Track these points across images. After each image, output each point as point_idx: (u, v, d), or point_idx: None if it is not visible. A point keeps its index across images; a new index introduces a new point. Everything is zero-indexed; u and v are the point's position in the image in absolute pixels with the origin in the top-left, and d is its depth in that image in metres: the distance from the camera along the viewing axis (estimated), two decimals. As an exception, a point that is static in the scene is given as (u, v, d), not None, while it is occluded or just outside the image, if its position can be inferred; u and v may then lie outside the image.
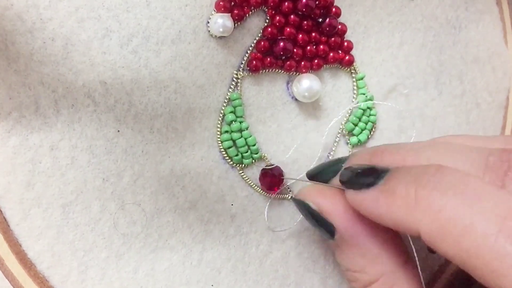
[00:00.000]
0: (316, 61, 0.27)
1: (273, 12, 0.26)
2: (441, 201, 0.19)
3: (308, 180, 0.26)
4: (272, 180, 0.26)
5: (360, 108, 0.29)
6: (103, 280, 0.24)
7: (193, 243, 0.26)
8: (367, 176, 0.22)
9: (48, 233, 0.23)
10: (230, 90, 0.26)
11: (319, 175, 0.25)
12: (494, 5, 0.34)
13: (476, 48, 0.33)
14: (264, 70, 0.26)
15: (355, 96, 0.29)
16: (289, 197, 0.27)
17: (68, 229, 0.23)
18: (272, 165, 0.27)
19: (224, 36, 0.25)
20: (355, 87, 0.29)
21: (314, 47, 0.27)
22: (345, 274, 0.24)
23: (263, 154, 0.27)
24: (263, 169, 0.27)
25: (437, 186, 0.19)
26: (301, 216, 0.26)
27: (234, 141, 0.26)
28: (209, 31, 0.25)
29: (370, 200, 0.21)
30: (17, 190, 0.22)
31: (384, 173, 0.21)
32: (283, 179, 0.27)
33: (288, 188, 0.28)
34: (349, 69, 0.29)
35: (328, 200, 0.23)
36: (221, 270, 0.26)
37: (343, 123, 0.29)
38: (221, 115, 0.26)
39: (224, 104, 0.26)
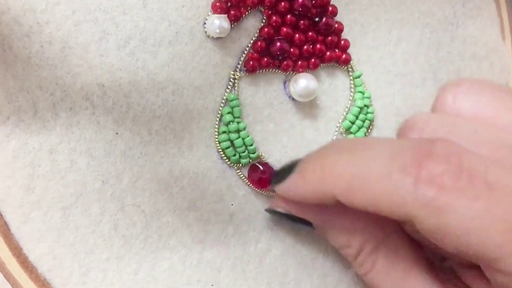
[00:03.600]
0: (313, 60, 0.27)
1: (270, 12, 0.26)
2: (343, 161, 0.22)
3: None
4: (261, 176, 0.27)
5: (357, 106, 0.29)
6: (104, 282, 0.24)
7: (192, 243, 0.26)
8: (288, 169, 0.25)
9: (48, 236, 0.23)
10: (227, 90, 0.26)
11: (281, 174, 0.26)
12: (491, 1, 0.34)
13: (473, 45, 0.33)
14: (261, 70, 0.26)
15: (352, 94, 0.29)
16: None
17: (68, 232, 0.23)
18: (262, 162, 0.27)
19: (221, 37, 0.25)
20: (352, 86, 0.29)
21: (311, 46, 0.27)
22: (342, 253, 0.26)
23: (260, 154, 0.27)
24: (252, 164, 0.27)
25: (338, 151, 0.22)
26: None
27: (231, 141, 0.26)
28: (206, 32, 0.25)
29: (291, 185, 0.24)
30: (17, 193, 0.22)
31: (299, 161, 0.24)
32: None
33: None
34: (346, 67, 0.29)
35: (292, 203, 0.26)
36: (221, 269, 0.27)
37: (340, 121, 0.29)
38: (218, 115, 0.26)
39: (222, 105, 0.26)
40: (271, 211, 0.27)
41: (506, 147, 0.23)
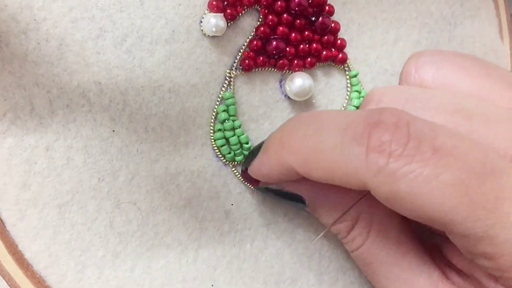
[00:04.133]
0: (309, 59, 0.27)
1: (266, 11, 0.26)
2: (299, 135, 0.22)
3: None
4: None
5: (353, 106, 0.29)
6: (100, 279, 0.24)
7: (188, 240, 0.26)
8: (256, 150, 0.25)
9: (44, 233, 0.23)
10: (223, 89, 0.26)
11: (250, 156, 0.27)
12: (490, 1, 0.34)
13: (471, 44, 0.33)
14: (256, 69, 0.27)
15: (348, 93, 0.29)
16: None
17: (64, 229, 0.23)
18: None
19: (217, 36, 0.25)
20: (348, 85, 0.29)
21: (307, 45, 0.27)
22: (333, 232, 0.26)
23: (256, 152, 0.27)
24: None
25: (294, 125, 0.23)
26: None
27: (227, 139, 0.26)
28: (202, 30, 0.25)
29: (258, 164, 0.25)
30: (13, 191, 0.23)
31: (265, 141, 0.25)
32: None
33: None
34: (342, 67, 0.29)
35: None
36: (216, 267, 0.27)
37: (337, 120, 0.29)
38: (214, 113, 0.26)
39: (217, 103, 0.26)
40: (262, 189, 0.26)
41: (461, 112, 0.23)
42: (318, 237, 0.27)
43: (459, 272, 0.23)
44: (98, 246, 0.24)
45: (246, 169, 0.27)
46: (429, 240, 0.25)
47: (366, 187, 0.20)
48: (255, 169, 0.25)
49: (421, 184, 0.19)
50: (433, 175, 0.19)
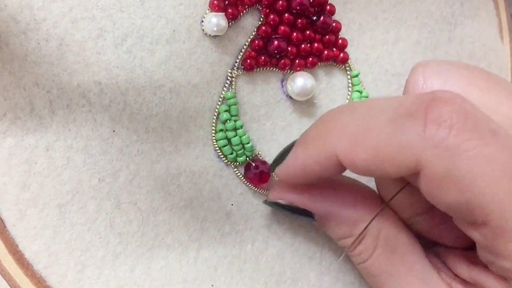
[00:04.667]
0: (310, 59, 0.27)
1: (267, 10, 0.26)
2: (344, 119, 0.21)
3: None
4: (256, 173, 0.27)
5: (355, 106, 0.29)
6: (100, 280, 0.24)
7: (189, 241, 0.26)
8: (286, 151, 0.24)
9: (44, 233, 0.23)
10: (224, 89, 0.26)
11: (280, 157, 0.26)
12: (490, 1, 0.34)
13: (471, 44, 0.33)
14: (258, 69, 0.26)
15: (349, 93, 0.29)
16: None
17: (64, 229, 0.23)
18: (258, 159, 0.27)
19: (219, 35, 0.25)
20: (349, 85, 0.29)
21: (309, 45, 0.27)
22: (339, 244, 0.26)
23: (257, 152, 0.27)
24: (248, 162, 0.27)
25: (337, 113, 0.22)
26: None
27: (229, 139, 0.26)
28: (203, 30, 0.25)
29: (291, 161, 0.23)
30: (13, 191, 0.22)
31: (296, 140, 0.24)
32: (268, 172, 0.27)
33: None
34: (343, 66, 0.29)
35: (294, 193, 0.25)
36: (217, 267, 0.27)
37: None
38: (215, 113, 0.26)
39: (219, 103, 0.26)
40: (271, 203, 0.26)
41: None
42: (341, 257, 0.27)
43: (464, 283, 0.23)
44: (98, 246, 0.24)
45: (248, 168, 0.26)
46: (433, 252, 0.25)
47: (417, 167, 0.19)
48: (287, 167, 0.24)
49: (481, 164, 0.18)
50: (493, 156, 0.18)
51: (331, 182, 0.25)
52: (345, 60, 0.28)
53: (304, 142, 0.23)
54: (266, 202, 0.26)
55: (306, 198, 0.25)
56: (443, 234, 0.24)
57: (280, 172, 0.24)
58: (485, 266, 0.21)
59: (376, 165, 0.20)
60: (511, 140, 0.19)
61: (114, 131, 0.24)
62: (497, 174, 0.18)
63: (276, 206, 0.26)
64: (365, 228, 0.24)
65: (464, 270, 0.23)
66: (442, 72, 0.25)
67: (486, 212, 0.18)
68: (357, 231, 0.24)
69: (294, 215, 0.25)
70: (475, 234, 0.20)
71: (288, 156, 0.23)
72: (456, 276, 0.24)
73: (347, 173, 0.23)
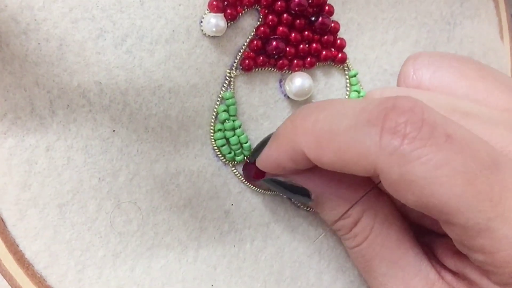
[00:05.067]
0: (308, 59, 0.27)
1: (266, 11, 0.26)
2: (312, 118, 0.22)
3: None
4: (251, 170, 0.27)
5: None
6: (100, 279, 0.24)
7: (188, 240, 0.26)
8: (264, 143, 0.26)
9: (45, 233, 0.23)
10: (223, 89, 0.26)
11: (258, 148, 0.27)
12: (490, 0, 0.34)
13: (471, 44, 0.33)
14: (256, 69, 0.27)
15: (348, 93, 0.29)
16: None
17: (64, 229, 0.23)
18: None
19: (217, 36, 0.25)
20: (348, 84, 0.29)
21: (307, 45, 0.27)
22: (334, 228, 0.26)
23: (256, 152, 0.27)
24: (246, 161, 0.27)
25: (307, 111, 0.23)
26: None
27: (227, 139, 0.26)
28: (202, 30, 0.25)
29: (267, 153, 0.25)
30: (13, 191, 0.23)
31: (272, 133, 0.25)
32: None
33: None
34: (342, 66, 0.29)
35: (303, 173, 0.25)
36: (216, 266, 0.27)
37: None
38: (214, 113, 0.26)
39: (218, 103, 0.26)
40: (269, 180, 0.26)
41: (457, 112, 0.24)
42: (322, 234, 0.27)
43: (452, 272, 0.23)
44: (98, 246, 0.24)
45: (248, 165, 0.27)
46: (423, 241, 0.26)
47: (375, 171, 0.20)
48: (264, 158, 0.25)
49: (432, 169, 0.19)
50: (445, 161, 0.19)
51: None
52: (343, 60, 0.28)
53: (277, 138, 0.24)
54: (265, 180, 0.26)
55: (305, 176, 0.25)
56: (433, 221, 0.25)
57: (258, 163, 0.26)
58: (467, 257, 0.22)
59: (341, 166, 0.21)
60: (469, 141, 0.20)
61: (114, 131, 0.24)
62: (451, 177, 0.19)
63: (274, 183, 0.26)
64: (352, 205, 0.24)
65: (450, 260, 0.24)
66: (432, 64, 0.26)
67: (446, 212, 0.19)
68: (354, 212, 0.25)
69: (290, 194, 0.26)
70: (447, 230, 0.21)
71: (263, 149, 0.25)
72: (443, 265, 0.24)
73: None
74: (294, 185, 0.25)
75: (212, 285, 0.26)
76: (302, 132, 0.22)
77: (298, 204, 0.28)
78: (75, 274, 0.24)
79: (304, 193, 0.25)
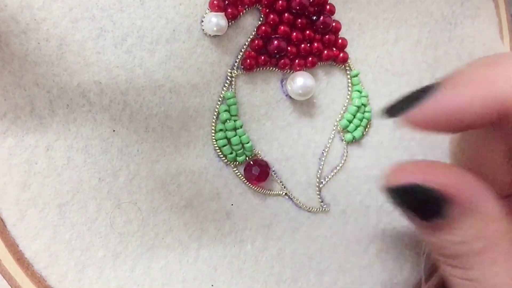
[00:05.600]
0: (310, 59, 0.27)
1: (267, 10, 0.26)
2: None
3: None
4: (255, 173, 0.27)
5: (354, 105, 0.29)
6: (100, 279, 0.24)
7: (189, 240, 0.26)
8: (419, 93, 0.20)
9: (44, 233, 0.23)
10: (224, 88, 0.26)
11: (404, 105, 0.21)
12: (490, 0, 0.34)
13: (471, 44, 0.33)
14: (258, 69, 0.26)
15: (349, 93, 0.29)
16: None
17: (64, 229, 0.23)
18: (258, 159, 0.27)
19: (218, 35, 0.25)
20: (349, 84, 0.29)
21: (308, 45, 0.27)
22: (446, 255, 0.20)
23: (257, 152, 0.27)
24: (248, 162, 0.27)
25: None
26: None
27: (228, 139, 0.26)
28: (203, 30, 0.25)
29: (438, 101, 0.19)
30: (13, 190, 0.22)
31: (435, 84, 0.20)
32: (268, 172, 0.27)
33: (282, 183, 0.28)
34: (343, 66, 0.29)
35: (443, 172, 0.19)
36: (217, 267, 0.27)
37: (337, 120, 0.29)
38: (215, 113, 0.26)
39: (219, 103, 0.26)
40: (393, 189, 0.20)
41: None
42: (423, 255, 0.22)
43: None
44: (98, 246, 0.24)
45: (249, 166, 0.26)
46: None
47: None
48: (427, 108, 0.19)
49: None
50: None
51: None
52: (344, 60, 0.28)
53: (457, 84, 0.19)
54: (388, 189, 0.20)
55: (449, 175, 0.19)
56: None
57: (413, 115, 0.20)
58: None
59: None
60: None
61: (114, 131, 0.24)
62: None
63: (398, 194, 0.20)
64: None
65: None
66: None
67: None
68: (486, 231, 0.19)
69: (419, 212, 0.20)
70: None
71: (427, 97, 0.19)
72: None
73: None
74: (434, 195, 0.19)
75: (212, 286, 0.26)
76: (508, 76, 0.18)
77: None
78: (75, 274, 0.23)
79: (440, 203, 0.19)
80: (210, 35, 0.25)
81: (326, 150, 0.29)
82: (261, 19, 0.26)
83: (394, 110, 0.20)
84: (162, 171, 0.25)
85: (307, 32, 0.27)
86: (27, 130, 0.22)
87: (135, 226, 0.25)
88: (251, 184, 0.27)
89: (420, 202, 0.19)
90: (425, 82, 0.31)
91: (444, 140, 0.33)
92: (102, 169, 0.24)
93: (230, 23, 0.25)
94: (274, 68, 0.27)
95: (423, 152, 0.32)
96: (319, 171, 0.29)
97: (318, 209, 0.29)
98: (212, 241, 0.27)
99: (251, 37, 0.26)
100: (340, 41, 0.28)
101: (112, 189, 0.24)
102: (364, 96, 0.29)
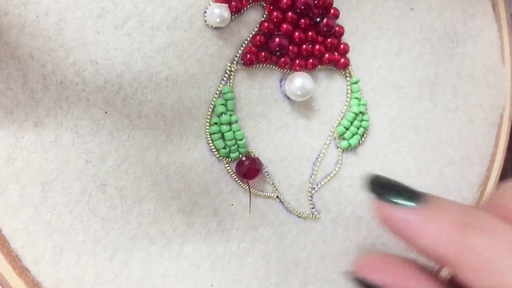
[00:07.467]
0: (311, 60, 0.27)
1: (271, 7, 0.26)
2: (485, 243, 0.18)
3: None
4: (248, 168, 0.26)
5: (352, 112, 0.28)
6: (77, 265, 0.23)
7: (173, 234, 0.25)
8: (406, 193, 0.20)
9: (25, 211, 0.22)
10: (222, 82, 0.26)
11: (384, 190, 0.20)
12: (493, 22, 0.34)
13: (472, 64, 0.33)
14: (258, 65, 0.26)
15: (348, 100, 0.29)
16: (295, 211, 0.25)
17: (45, 209, 0.22)
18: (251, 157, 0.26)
19: (220, 27, 0.25)
20: (349, 91, 0.29)
21: (310, 46, 0.27)
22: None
23: (251, 150, 0.26)
24: (240, 159, 0.26)
25: (485, 232, 0.18)
26: None
27: (222, 133, 0.26)
28: (205, 21, 0.25)
29: (410, 220, 0.19)
30: (-4, 163, 0.22)
31: (419, 196, 0.19)
32: (258, 169, 0.26)
33: (274, 185, 0.27)
34: (344, 72, 0.28)
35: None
36: (199, 265, 0.26)
37: (334, 126, 0.28)
38: (211, 106, 0.25)
39: (216, 96, 0.25)
40: (360, 281, 0.20)
41: None
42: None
43: None
44: (78, 230, 0.23)
45: (242, 163, 0.26)
46: None
47: None
48: (398, 218, 0.19)
49: None
50: None
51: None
52: (345, 66, 0.28)
53: (433, 222, 0.19)
54: (353, 277, 0.21)
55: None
56: None
57: (386, 212, 0.20)
58: None
59: None
60: None
61: (106, 112, 0.23)
62: None
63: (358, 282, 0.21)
64: None
65: None
66: None
67: None
68: None
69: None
70: None
71: (412, 210, 0.19)
72: None
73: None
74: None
75: (211, 285, 0.25)
76: (467, 253, 0.18)
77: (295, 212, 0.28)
78: (52, 256, 0.23)
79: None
80: (212, 26, 0.25)
81: (321, 155, 0.28)
82: (265, 15, 0.26)
83: (376, 189, 0.20)
84: (151, 160, 0.24)
85: (310, 33, 0.27)
86: (17, 103, 0.22)
87: (118, 213, 0.24)
88: (243, 183, 0.26)
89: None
90: (424, 98, 0.31)
91: (440, 157, 0.32)
92: (90, 151, 0.23)
93: (233, 17, 0.25)
94: (274, 67, 0.27)
95: (418, 167, 0.31)
96: (312, 177, 0.28)
97: (308, 215, 0.28)
98: (197, 237, 0.26)
99: (253, 32, 0.26)
100: (342, 46, 0.28)
101: (98, 172, 0.23)
102: (363, 104, 0.29)
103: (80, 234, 0.23)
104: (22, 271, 0.22)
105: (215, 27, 0.25)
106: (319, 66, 0.28)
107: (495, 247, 0.18)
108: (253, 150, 0.27)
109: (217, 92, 0.26)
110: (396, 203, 0.19)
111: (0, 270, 0.22)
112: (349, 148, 0.29)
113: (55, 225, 0.23)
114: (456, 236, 0.18)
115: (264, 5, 0.26)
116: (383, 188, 0.20)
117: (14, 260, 0.22)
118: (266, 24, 0.26)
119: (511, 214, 0.20)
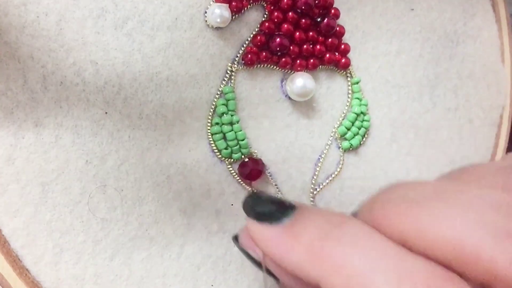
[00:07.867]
0: (312, 60, 0.27)
1: (272, 7, 0.26)
2: (345, 256, 0.17)
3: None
4: (252, 169, 0.26)
5: (354, 112, 0.28)
6: (78, 265, 0.23)
7: (174, 235, 0.25)
8: (273, 209, 0.19)
9: (25, 210, 0.22)
10: (223, 82, 0.25)
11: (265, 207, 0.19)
12: (493, 23, 0.34)
13: (472, 64, 0.33)
14: (259, 65, 0.26)
15: (349, 100, 0.29)
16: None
17: (45, 209, 0.22)
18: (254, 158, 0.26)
19: (221, 28, 0.25)
20: (350, 91, 0.29)
21: (311, 46, 0.27)
22: None
23: (253, 151, 0.26)
24: (243, 160, 0.26)
25: (342, 240, 0.17)
26: None
27: (224, 134, 0.26)
28: (206, 21, 0.25)
29: (272, 237, 0.18)
30: (-4, 163, 0.22)
31: (291, 210, 0.19)
32: (261, 170, 0.26)
33: (276, 186, 0.27)
34: (345, 72, 0.28)
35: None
36: (200, 266, 0.26)
37: (336, 126, 0.28)
38: (212, 107, 0.25)
39: (217, 96, 0.25)
40: (241, 248, 0.21)
41: None
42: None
43: None
44: (78, 230, 0.23)
45: (245, 163, 0.26)
46: None
47: None
48: (263, 236, 0.18)
49: None
50: None
51: None
52: (346, 66, 0.28)
53: (293, 241, 0.18)
54: (234, 238, 0.21)
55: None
56: None
57: (253, 230, 0.19)
58: None
59: None
60: None
61: (106, 113, 0.23)
62: None
63: (242, 251, 0.21)
64: None
65: None
66: None
67: None
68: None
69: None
70: None
71: (275, 227, 0.18)
72: None
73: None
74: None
75: (212, 286, 0.25)
76: (327, 266, 0.17)
77: None
78: (52, 256, 0.22)
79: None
80: (212, 26, 0.25)
81: (323, 156, 0.28)
82: (265, 15, 0.26)
83: (247, 208, 0.20)
84: (152, 160, 0.24)
85: (311, 33, 0.27)
86: (17, 103, 0.22)
87: (119, 213, 0.24)
88: (246, 184, 0.26)
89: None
90: (424, 98, 0.31)
91: (440, 157, 0.32)
92: (90, 151, 0.23)
93: (234, 17, 0.25)
94: (275, 67, 0.26)
95: (418, 167, 0.31)
96: (314, 177, 0.28)
97: (309, 216, 0.28)
98: (198, 238, 0.26)
99: (254, 32, 0.26)
100: (343, 46, 0.28)
101: (98, 173, 0.23)
102: (364, 105, 0.29)
103: (80, 234, 0.23)
104: (22, 271, 0.22)
105: (216, 27, 0.25)
106: (320, 66, 0.28)
107: (347, 252, 0.16)
108: (256, 151, 0.27)
109: (218, 92, 0.26)
110: (264, 220, 0.19)
111: (0, 270, 0.21)
112: (351, 149, 0.29)
113: (55, 225, 0.23)
114: (316, 249, 0.17)
115: (265, 5, 0.26)
116: (253, 205, 0.19)
117: (14, 260, 0.22)
118: (266, 24, 0.26)
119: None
